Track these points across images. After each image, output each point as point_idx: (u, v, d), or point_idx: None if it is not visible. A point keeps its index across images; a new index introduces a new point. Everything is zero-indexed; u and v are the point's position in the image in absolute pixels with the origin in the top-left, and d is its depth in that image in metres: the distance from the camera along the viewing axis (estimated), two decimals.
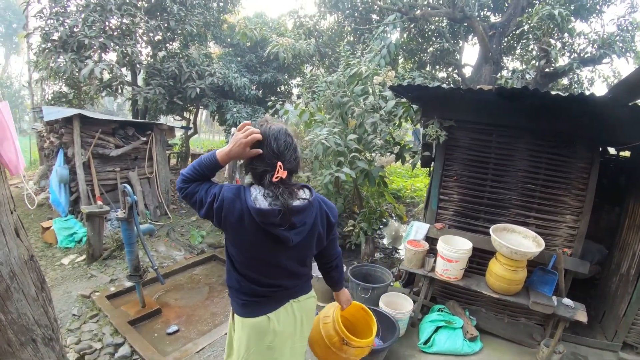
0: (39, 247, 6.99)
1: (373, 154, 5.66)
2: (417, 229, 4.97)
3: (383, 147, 5.25)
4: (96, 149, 7.68)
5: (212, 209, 1.85)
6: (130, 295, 5.15)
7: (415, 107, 5.27)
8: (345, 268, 5.06)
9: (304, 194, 1.96)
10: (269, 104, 6.59)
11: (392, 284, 5.05)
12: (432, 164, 5.47)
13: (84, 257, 6.33)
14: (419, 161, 5.40)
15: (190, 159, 13.52)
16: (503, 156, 4.50)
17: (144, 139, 8.47)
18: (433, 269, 4.48)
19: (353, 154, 5.00)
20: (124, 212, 4.13)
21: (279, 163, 1.82)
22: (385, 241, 7.82)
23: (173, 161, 13.09)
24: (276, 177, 1.81)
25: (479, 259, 4.57)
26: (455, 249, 4.21)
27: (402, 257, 6.80)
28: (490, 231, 4.08)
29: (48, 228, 7.12)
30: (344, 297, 2.59)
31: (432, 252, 4.66)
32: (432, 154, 5.19)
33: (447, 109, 4.65)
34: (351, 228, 5.53)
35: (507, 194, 4.52)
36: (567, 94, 3.43)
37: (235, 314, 2.14)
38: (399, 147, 5.43)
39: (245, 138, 1.83)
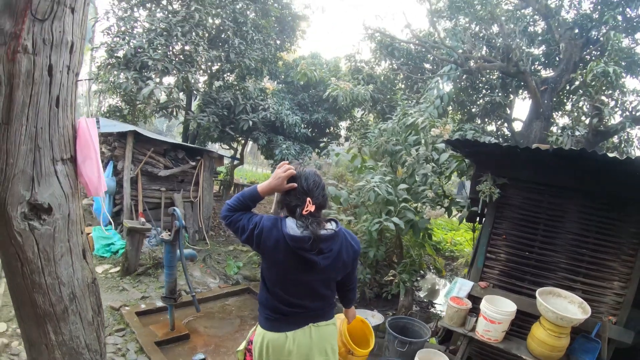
0: None
1: (423, 206, 5.54)
2: (461, 286, 4.79)
3: (434, 199, 5.14)
4: (145, 167, 7.84)
5: (252, 235, 2.14)
6: (160, 315, 5.09)
7: (467, 161, 5.17)
8: (382, 318, 4.91)
9: (331, 225, 2.23)
10: (322, 144, 6.63)
11: (428, 339, 4.84)
12: (478, 219, 5.39)
13: (118, 269, 6.37)
14: (465, 216, 5.27)
15: (233, 188, 13.66)
16: (553, 217, 4.36)
17: (193, 163, 8.60)
18: (474, 329, 4.27)
19: (403, 204, 4.90)
20: (169, 235, 4.13)
21: (308, 199, 2.14)
22: (421, 293, 7.57)
23: (216, 188, 13.25)
24: (306, 211, 2.11)
25: (520, 322, 4.30)
26: (499, 310, 4.01)
27: (438, 311, 6.55)
28: (537, 294, 3.88)
29: (87, 234, 7.21)
30: (351, 313, 2.90)
31: (474, 311, 4.44)
32: (478, 209, 5.03)
33: (501, 166, 4.56)
34: (391, 278, 5.37)
35: (554, 256, 4.34)
36: (624, 156, 3.28)
37: (257, 327, 2.39)
38: (448, 200, 5.31)
39: (284, 173, 2.21)
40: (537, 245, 4.44)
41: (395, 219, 4.68)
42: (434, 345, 4.94)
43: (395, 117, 6.18)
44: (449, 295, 4.75)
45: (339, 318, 2.87)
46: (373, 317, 5.04)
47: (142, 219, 6.78)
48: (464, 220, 5.34)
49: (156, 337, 4.43)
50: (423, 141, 5.50)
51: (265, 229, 2.13)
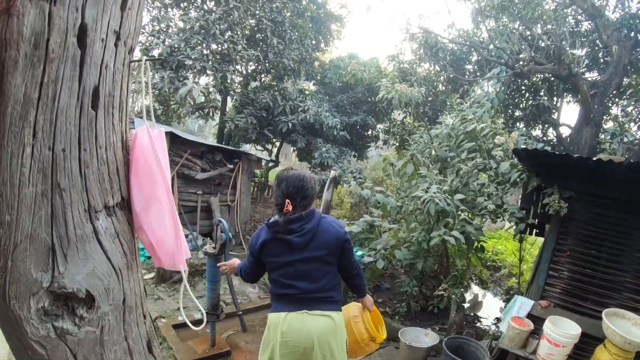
0: None
1: (482, 218, 5.18)
2: (521, 305, 4.47)
3: (494, 212, 4.78)
4: (182, 169, 7.66)
5: (254, 252, 2.57)
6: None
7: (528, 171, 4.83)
8: (436, 338, 4.62)
9: (300, 212, 2.48)
10: (368, 149, 6.34)
11: None
12: (528, 231, 5.06)
13: (152, 275, 6.19)
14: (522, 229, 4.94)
15: (267, 190, 13.48)
16: (621, 233, 4.12)
17: (231, 166, 8.40)
18: (535, 351, 3.97)
19: (462, 216, 4.56)
20: (214, 247, 3.88)
21: (287, 200, 2.45)
22: (465, 305, 7.17)
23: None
24: (285, 209, 2.43)
25: (582, 344, 3.95)
26: (564, 333, 3.72)
27: (485, 327, 6.15)
28: (603, 316, 3.58)
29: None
30: (369, 302, 3.01)
31: (535, 332, 4.14)
32: (531, 220, 4.84)
33: (568, 178, 4.28)
34: (441, 292, 5.04)
35: (620, 275, 4.08)
36: None
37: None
38: (508, 213, 4.95)
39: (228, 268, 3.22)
40: (602, 263, 4.21)
41: (455, 233, 4.34)
42: None
43: (447, 122, 5.83)
44: (507, 314, 4.49)
45: (356, 306, 3.04)
46: (427, 336, 4.70)
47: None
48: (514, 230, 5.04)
49: (195, 354, 4.17)
50: (479, 149, 5.13)
51: (254, 235, 2.61)
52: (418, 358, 4.44)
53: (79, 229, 1.28)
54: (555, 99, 10.28)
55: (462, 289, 5.31)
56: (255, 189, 13.71)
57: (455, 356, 4.18)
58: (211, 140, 11.07)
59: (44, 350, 1.25)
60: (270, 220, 2.50)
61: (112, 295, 1.40)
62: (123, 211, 1.49)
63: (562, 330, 3.76)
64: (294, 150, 12.24)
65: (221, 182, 8.45)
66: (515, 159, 4.89)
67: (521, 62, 8.98)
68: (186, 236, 5.97)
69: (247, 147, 15.08)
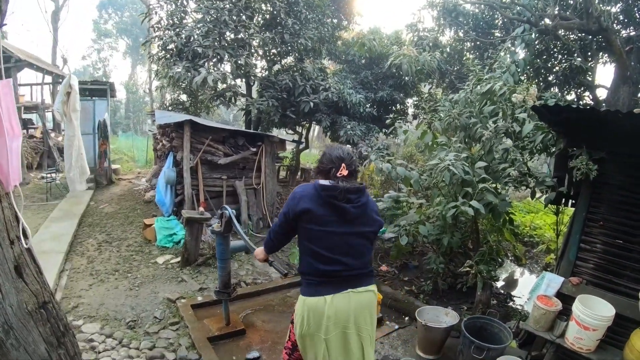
0: (137, 241, 7.17)
1: (505, 187, 4.86)
2: (549, 282, 4.15)
3: (517, 179, 4.45)
4: (205, 156, 7.73)
5: (291, 213, 2.42)
6: (216, 308, 4.83)
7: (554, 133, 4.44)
8: (457, 317, 4.39)
9: (353, 182, 2.46)
10: (388, 121, 6.09)
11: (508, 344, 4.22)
12: (564, 201, 4.67)
13: (178, 259, 6.31)
14: (552, 198, 4.56)
15: (299, 174, 13.43)
16: None
17: (254, 149, 8.42)
18: (563, 334, 3.64)
19: (482, 184, 4.27)
20: (220, 226, 3.81)
21: (343, 164, 2.41)
22: (498, 284, 6.88)
23: (282, 174, 13.11)
24: (339, 174, 2.39)
25: (616, 326, 3.53)
26: (595, 314, 3.34)
27: (518, 306, 5.84)
28: None
29: (150, 225, 7.28)
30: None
31: (563, 312, 3.79)
32: (565, 189, 4.42)
33: (598, 138, 3.86)
34: (467, 269, 4.78)
35: None
36: None
37: (300, 295, 2.49)
38: (534, 180, 4.60)
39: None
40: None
41: (474, 203, 4.06)
42: (515, 350, 4.31)
43: (467, 86, 5.49)
44: (534, 292, 4.19)
45: None
46: (447, 315, 4.48)
47: (202, 209, 6.65)
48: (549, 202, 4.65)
49: (210, 332, 4.21)
50: (501, 111, 4.79)
51: (298, 192, 2.45)
52: (436, 338, 4.24)
53: None
54: (589, 59, 9.64)
55: (491, 266, 5.02)
56: (288, 172, 13.69)
57: (476, 338, 3.92)
58: (243, 128, 11.11)
59: None
60: (324, 183, 2.40)
61: None
62: None
63: (593, 311, 3.39)
64: (324, 131, 12.06)
65: (245, 166, 8.48)
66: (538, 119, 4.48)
67: (546, 19, 8.44)
68: (208, 219, 6.05)
69: (281, 132, 15.08)
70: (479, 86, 5.05)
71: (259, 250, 2.90)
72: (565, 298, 3.93)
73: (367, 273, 2.52)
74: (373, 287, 2.54)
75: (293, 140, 12.36)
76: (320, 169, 2.52)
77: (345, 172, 2.40)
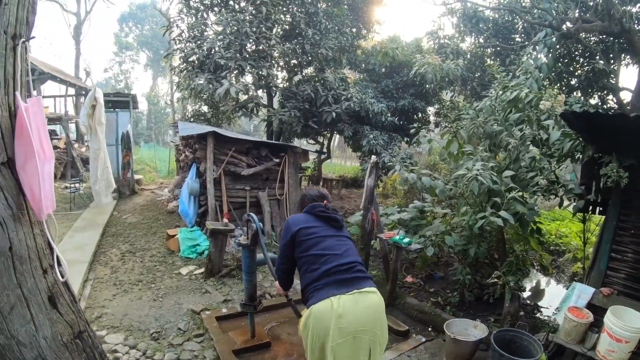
0: (161, 252, 7.22)
1: (533, 196, 4.77)
2: (580, 294, 4.07)
3: (546, 188, 4.37)
4: (228, 167, 7.79)
5: (292, 241, 2.70)
6: (241, 320, 4.83)
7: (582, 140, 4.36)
8: (485, 330, 4.30)
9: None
10: (412, 130, 6.05)
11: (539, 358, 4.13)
12: (591, 209, 4.59)
13: (202, 270, 6.33)
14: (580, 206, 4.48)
15: (321, 183, 13.44)
16: None
17: (277, 160, 8.45)
18: (594, 347, 3.56)
19: (510, 194, 4.20)
20: (247, 239, 3.82)
21: (325, 200, 2.96)
22: (524, 294, 6.73)
23: (304, 184, 13.15)
24: (325, 203, 2.90)
25: None
26: (627, 326, 3.28)
27: (545, 317, 5.70)
28: None
29: (173, 236, 7.34)
30: None
31: (595, 324, 3.72)
32: (593, 197, 4.34)
33: (626, 144, 3.79)
34: (495, 280, 4.69)
35: None
36: None
37: (304, 310, 2.55)
38: (562, 189, 4.51)
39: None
40: None
41: (503, 213, 3.99)
42: None
43: (492, 94, 5.42)
44: (565, 303, 4.13)
45: None
46: (476, 328, 4.39)
47: (226, 220, 6.68)
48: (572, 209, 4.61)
49: (235, 345, 4.18)
50: (527, 119, 4.72)
51: (291, 219, 2.82)
52: (464, 352, 4.15)
53: None
54: (612, 62, 9.43)
55: (518, 276, 4.92)
56: (309, 182, 13.71)
57: (506, 351, 3.83)
58: (264, 139, 11.19)
59: None
60: (306, 207, 2.89)
61: None
62: (9, 170, 1.66)
63: (626, 322, 3.33)
64: (345, 141, 12.08)
65: (269, 177, 8.52)
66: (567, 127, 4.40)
67: (568, 23, 8.30)
68: (232, 231, 6.07)
69: (302, 143, 15.16)
70: (504, 94, 4.98)
71: (277, 285, 3.07)
72: (596, 309, 3.86)
73: (367, 276, 2.63)
74: (376, 290, 2.60)
75: (316, 151, 12.39)
76: (305, 204, 2.96)
77: (327, 204, 2.91)
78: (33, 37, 1.88)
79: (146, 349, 4.14)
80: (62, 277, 1.86)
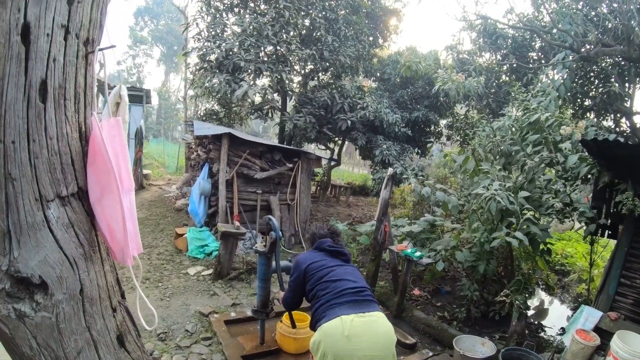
0: (168, 250, 7.23)
1: (547, 218, 4.81)
2: (588, 317, 4.15)
3: (562, 211, 4.41)
4: (241, 169, 7.83)
5: (302, 277, 2.87)
6: (250, 325, 4.85)
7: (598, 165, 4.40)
8: (493, 348, 4.32)
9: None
10: (429, 146, 6.10)
11: None
12: (600, 232, 4.62)
13: (210, 271, 6.33)
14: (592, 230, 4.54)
15: (329, 189, 13.47)
16: None
17: (290, 165, 8.48)
18: None
19: (526, 216, 4.24)
20: (264, 246, 3.86)
21: (335, 235, 3.20)
22: (528, 312, 6.73)
23: (313, 189, 13.20)
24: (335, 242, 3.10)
25: None
26: (633, 351, 3.33)
27: (549, 337, 5.72)
28: None
29: (181, 235, 7.34)
30: None
31: (601, 347, 3.79)
32: (604, 220, 4.42)
33: None
34: (503, 298, 4.72)
35: None
36: None
37: (315, 332, 2.57)
38: (577, 212, 4.54)
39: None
40: None
41: (518, 234, 4.04)
42: None
43: (510, 113, 5.47)
44: (572, 325, 4.21)
45: None
46: (483, 345, 4.42)
47: (237, 222, 6.72)
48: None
49: (243, 351, 4.18)
50: (544, 141, 4.76)
51: (300, 261, 2.95)
52: None
53: (30, 217, 1.33)
54: (627, 85, 9.43)
55: (525, 295, 4.95)
56: (318, 188, 13.74)
57: None
58: (274, 141, 11.24)
59: (7, 329, 1.34)
60: (315, 244, 3.12)
61: (66, 285, 1.43)
62: (80, 202, 1.51)
63: (632, 347, 3.38)
64: (356, 149, 12.13)
65: (281, 181, 8.55)
66: (585, 152, 4.47)
67: (588, 45, 8.32)
68: (243, 234, 6.07)
69: (310, 147, 15.19)
70: (524, 115, 5.03)
71: (281, 303, 3.29)
72: (603, 333, 3.93)
73: (376, 302, 2.74)
74: (384, 315, 2.67)
75: (329, 158, 12.43)
76: (314, 241, 3.18)
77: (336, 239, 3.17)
78: (113, 46, 1.63)
79: (153, 350, 4.13)
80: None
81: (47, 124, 1.35)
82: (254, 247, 4.66)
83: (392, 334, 2.58)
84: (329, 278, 2.73)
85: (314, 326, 2.65)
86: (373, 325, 2.48)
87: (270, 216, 3.89)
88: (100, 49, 1.57)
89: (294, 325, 3.77)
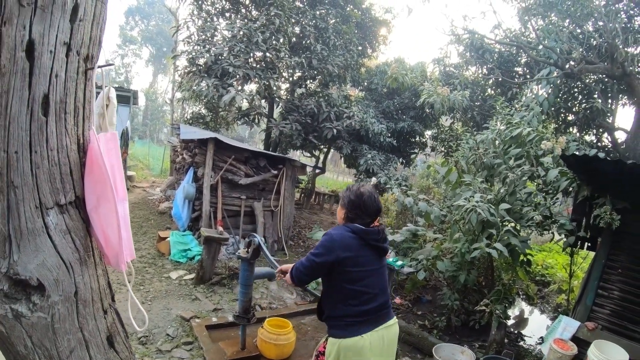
0: (151, 253, 7.17)
1: (528, 230, 4.90)
2: (566, 326, 4.23)
3: (541, 224, 4.50)
4: (226, 174, 7.80)
5: (333, 262, 2.40)
6: (231, 330, 4.84)
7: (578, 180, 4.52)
8: (472, 356, 4.37)
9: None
10: (413, 156, 6.19)
11: None
12: (579, 244, 4.78)
13: (192, 276, 6.29)
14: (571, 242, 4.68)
15: (314, 197, 13.48)
16: None
17: (275, 172, 8.46)
18: None
19: (506, 227, 4.33)
20: (247, 252, 3.87)
21: (377, 217, 2.62)
22: (508, 322, 6.81)
23: (296, 196, 13.23)
24: (374, 225, 2.59)
25: None
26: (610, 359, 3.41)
27: (528, 346, 5.81)
28: None
29: (164, 238, 7.29)
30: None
31: (579, 356, 3.88)
32: (583, 233, 4.56)
33: (622, 187, 4.00)
34: (483, 308, 4.79)
35: None
36: None
37: (330, 339, 2.52)
38: (556, 225, 4.65)
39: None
40: None
41: (498, 245, 4.11)
42: None
43: (493, 127, 5.58)
44: (551, 334, 4.27)
45: None
46: (463, 354, 4.46)
47: (220, 228, 6.69)
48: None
49: (224, 356, 4.17)
50: (526, 154, 4.86)
51: (337, 237, 2.45)
52: None
53: (30, 223, 1.40)
54: (609, 101, 9.66)
55: (505, 305, 5.03)
56: (302, 195, 13.75)
57: None
58: (259, 147, 11.25)
59: (3, 328, 1.41)
60: (357, 227, 2.49)
61: (62, 287, 1.49)
62: (77, 210, 1.58)
63: (608, 356, 3.47)
64: (341, 157, 12.22)
65: (265, 188, 8.52)
66: (565, 166, 4.58)
67: (572, 62, 8.52)
68: (226, 240, 6.06)
69: (296, 154, 15.23)
70: (507, 129, 5.13)
71: (288, 277, 2.72)
72: (581, 342, 4.01)
73: (391, 308, 2.66)
74: (396, 319, 2.67)
75: (314, 166, 12.47)
76: (354, 215, 2.55)
77: (377, 224, 2.62)
78: (112, 64, 1.80)
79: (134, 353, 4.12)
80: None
81: (48, 136, 1.43)
82: (236, 253, 4.65)
83: (396, 334, 2.64)
84: (362, 287, 2.44)
85: (325, 320, 2.59)
86: (386, 335, 2.50)
87: (254, 234, 3.89)
88: (100, 67, 1.66)
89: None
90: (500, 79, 10.22)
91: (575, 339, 4.09)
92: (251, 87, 9.88)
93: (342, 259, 2.39)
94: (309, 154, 13.16)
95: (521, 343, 5.97)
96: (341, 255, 2.39)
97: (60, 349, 1.50)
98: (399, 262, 5.43)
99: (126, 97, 13.57)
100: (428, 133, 12.73)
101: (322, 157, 13.44)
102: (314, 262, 2.44)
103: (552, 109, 9.14)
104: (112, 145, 1.62)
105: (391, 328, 2.56)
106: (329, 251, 2.41)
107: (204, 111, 12.69)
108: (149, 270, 6.40)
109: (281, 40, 9.64)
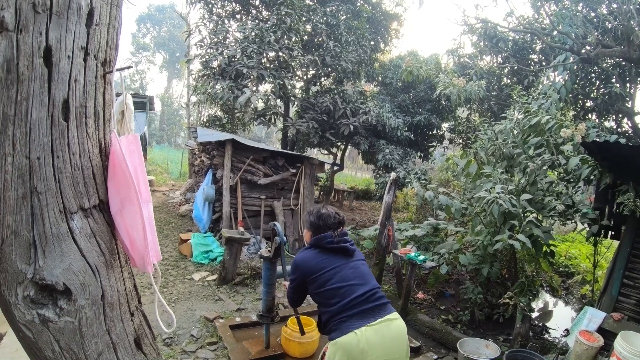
0: (173, 256, 7.25)
1: (550, 220, 4.84)
2: (591, 318, 4.15)
3: (564, 213, 4.43)
4: (245, 175, 7.85)
5: (302, 280, 2.66)
6: (255, 330, 4.87)
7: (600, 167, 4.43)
8: (497, 350, 4.34)
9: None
10: (431, 150, 6.15)
11: None
12: (603, 233, 4.64)
13: (215, 277, 6.35)
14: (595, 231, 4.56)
15: (333, 194, 13.48)
16: None
17: (293, 170, 8.48)
18: None
19: (528, 218, 4.27)
20: (269, 251, 3.90)
21: (340, 227, 2.78)
22: (532, 315, 6.73)
23: (316, 194, 13.23)
24: (339, 230, 2.75)
25: None
26: (637, 351, 3.33)
27: (553, 339, 5.73)
28: None
29: (186, 240, 7.37)
30: None
31: (605, 348, 3.79)
32: (606, 221, 4.43)
33: None
34: (507, 300, 4.74)
35: None
36: None
37: (329, 343, 2.52)
38: (579, 214, 4.57)
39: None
40: None
41: (521, 237, 4.05)
42: None
43: (511, 116, 5.51)
44: (576, 326, 4.18)
45: None
46: (488, 348, 4.44)
47: (241, 228, 6.74)
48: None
49: (249, 355, 4.19)
50: (546, 143, 4.79)
51: (299, 264, 2.68)
52: None
53: (54, 228, 1.42)
54: (628, 85, 9.42)
55: (529, 297, 4.97)
56: (321, 192, 13.76)
57: None
58: (276, 146, 11.29)
59: (30, 334, 1.41)
60: (312, 240, 2.76)
61: (89, 291, 1.50)
62: (101, 213, 1.60)
63: (635, 347, 3.39)
64: (358, 153, 12.19)
65: (284, 187, 8.56)
66: (586, 153, 4.50)
67: (587, 47, 8.35)
68: (247, 240, 6.11)
69: (313, 152, 15.24)
70: (525, 118, 5.06)
71: (287, 296, 3.00)
72: (606, 334, 3.94)
73: (387, 301, 2.61)
74: (398, 315, 2.60)
75: (333, 164, 12.47)
76: (315, 228, 2.78)
77: (340, 231, 2.78)
78: (130, 67, 1.82)
79: None
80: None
81: (69, 140, 1.44)
82: (258, 253, 4.68)
83: (404, 332, 2.54)
84: (335, 284, 2.52)
85: (324, 332, 2.61)
86: (385, 331, 2.43)
87: (275, 222, 3.92)
88: (118, 69, 1.68)
89: (302, 332, 3.63)
90: (515, 68, 10.07)
91: (600, 330, 4.02)
92: (266, 87, 9.91)
93: (306, 271, 2.63)
94: (326, 152, 13.15)
95: (546, 336, 5.88)
96: (304, 269, 2.64)
97: (88, 353, 1.51)
98: (421, 257, 5.40)
99: (142, 104, 13.79)
100: (445, 125, 12.61)
101: (339, 154, 13.42)
102: (292, 283, 2.77)
103: (570, 95, 8.97)
104: (134, 148, 1.64)
105: (391, 323, 2.48)
106: (294, 271, 2.71)
107: (220, 113, 12.77)
108: (172, 273, 6.48)
109: (293, 39, 9.65)
